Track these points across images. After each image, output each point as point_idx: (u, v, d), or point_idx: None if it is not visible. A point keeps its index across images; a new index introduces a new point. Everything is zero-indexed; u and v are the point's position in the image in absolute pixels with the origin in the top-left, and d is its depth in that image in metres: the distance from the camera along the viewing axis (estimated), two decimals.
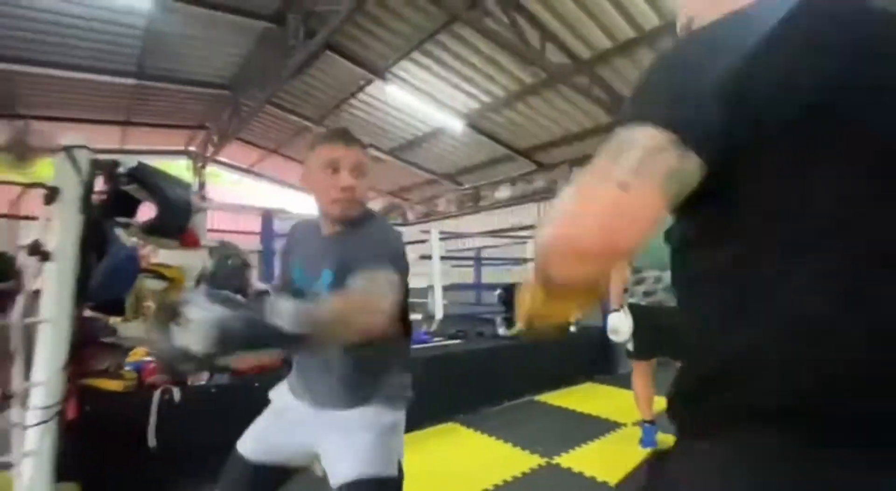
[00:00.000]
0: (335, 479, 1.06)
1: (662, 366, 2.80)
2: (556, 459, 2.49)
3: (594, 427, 3.05)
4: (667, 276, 2.60)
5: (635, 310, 2.76)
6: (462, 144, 8.17)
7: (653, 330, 2.65)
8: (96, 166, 2.19)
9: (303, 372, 1.20)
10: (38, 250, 1.93)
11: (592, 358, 4.70)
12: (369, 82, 6.33)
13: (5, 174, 7.06)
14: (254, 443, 1.17)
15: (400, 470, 1.12)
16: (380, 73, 5.94)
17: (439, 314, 4.26)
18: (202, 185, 9.54)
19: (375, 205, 12.85)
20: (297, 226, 1.37)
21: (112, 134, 8.68)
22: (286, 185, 12.56)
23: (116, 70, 5.76)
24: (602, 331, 5.02)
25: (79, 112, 7.18)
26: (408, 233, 10.79)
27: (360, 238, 1.08)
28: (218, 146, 8.18)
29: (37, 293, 1.96)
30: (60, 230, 2.00)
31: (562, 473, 2.35)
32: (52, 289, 1.95)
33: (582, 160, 7.45)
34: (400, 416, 1.19)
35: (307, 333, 0.80)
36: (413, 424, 2.99)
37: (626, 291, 2.83)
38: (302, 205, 12.99)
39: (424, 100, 6.40)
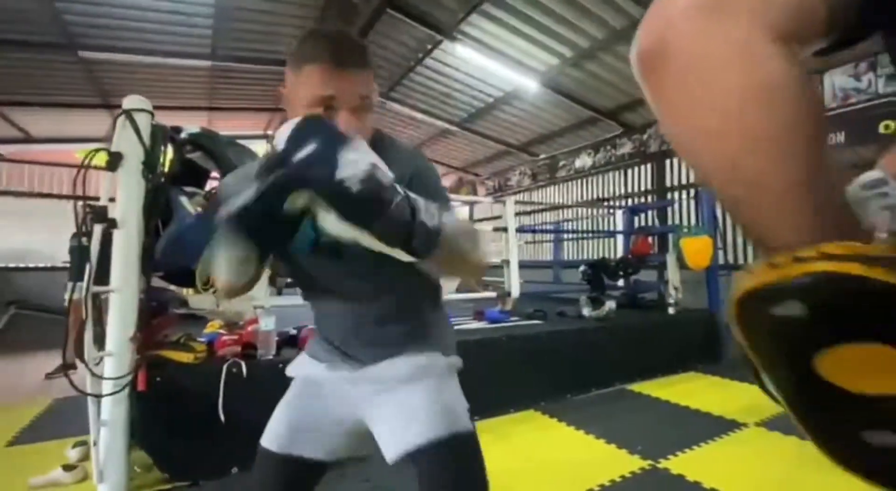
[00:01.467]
0: (397, 450, 0.85)
1: None
2: (663, 463, 2.12)
3: (706, 426, 2.60)
4: None
5: None
6: (538, 109, 7.60)
7: None
8: (158, 132, 2.14)
9: (330, 330, 0.98)
10: (104, 217, 1.91)
11: (696, 344, 4.14)
12: (437, 44, 5.99)
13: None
14: (281, 433, 0.95)
15: (472, 421, 0.91)
16: (448, 31, 5.56)
17: (516, 292, 3.95)
18: None
19: (445, 181, 12.67)
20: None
21: (200, 120, 9.26)
22: None
23: (192, 53, 6.00)
24: (708, 312, 4.45)
25: (166, 99, 7.68)
26: (480, 209, 10.56)
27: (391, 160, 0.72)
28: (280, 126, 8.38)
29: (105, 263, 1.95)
30: (124, 197, 1.97)
31: (672, 480, 1.99)
32: (120, 257, 1.93)
33: None
34: (454, 358, 0.98)
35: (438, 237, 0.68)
36: (490, 410, 2.78)
37: None
38: None
39: (497, 59, 5.94)
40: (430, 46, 6.04)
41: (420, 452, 0.82)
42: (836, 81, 4.65)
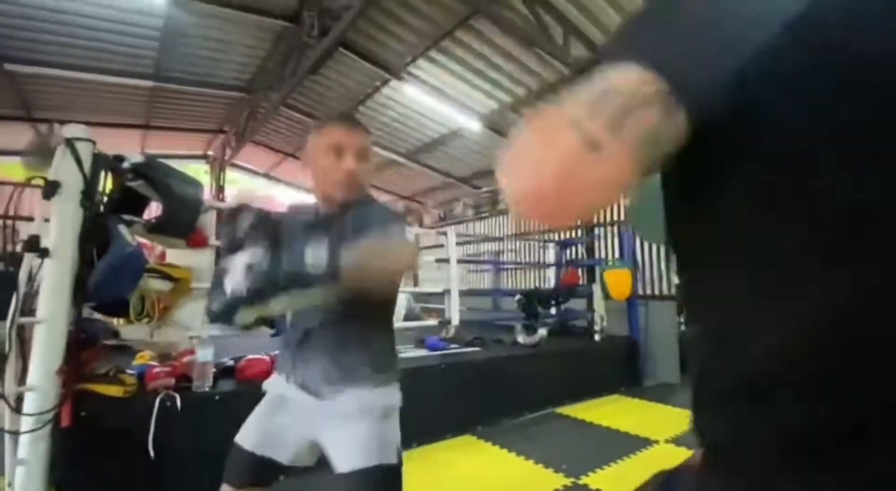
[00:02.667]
0: (337, 468, 1.05)
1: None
2: (584, 479, 2.31)
3: (623, 444, 2.84)
4: None
5: None
6: (480, 146, 8.02)
7: None
8: (99, 160, 2.12)
9: (293, 357, 1.14)
10: (35, 246, 1.85)
11: (619, 368, 4.48)
12: (385, 83, 6.23)
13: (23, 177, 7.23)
14: (254, 435, 1.14)
15: (399, 457, 1.09)
16: (396, 72, 5.84)
17: (456, 320, 4.10)
18: (221, 189, 9.59)
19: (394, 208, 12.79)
20: (296, 207, 1.32)
21: (132, 138, 8.80)
22: (303, 189, 12.63)
23: (134, 72, 5.79)
24: (631, 339, 4.83)
25: (98, 116, 7.27)
26: (423, 238, 10.68)
27: (361, 216, 1.07)
28: (235, 149, 8.20)
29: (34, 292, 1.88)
30: (59, 226, 1.92)
31: None
32: (49, 287, 1.87)
33: None
34: (395, 396, 1.15)
35: (338, 273, 0.83)
36: (427, 435, 2.86)
37: None
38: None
39: (442, 99, 6.27)
40: (378, 84, 6.27)
41: (352, 474, 1.01)
42: None
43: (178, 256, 2.77)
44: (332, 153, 1.10)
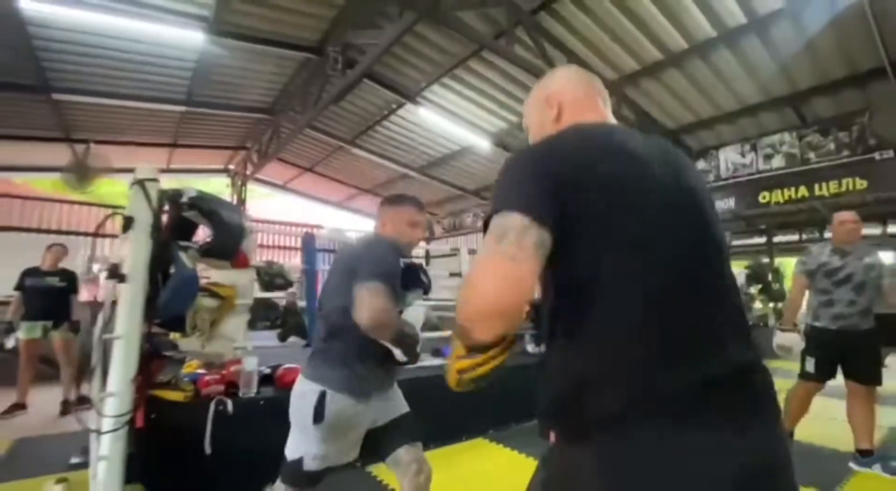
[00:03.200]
0: (391, 415, 1.58)
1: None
2: None
3: None
4: (861, 300, 2.58)
5: (820, 332, 2.69)
6: (489, 162, 8.30)
7: (837, 352, 2.65)
8: (163, 196, 2.43)
9: (380, 369, 1.53)
10: (115, 273, 2.16)
11: None
12: (401, 105, 6.56)
13: (72, 194, 7.64)
14: (329, 453, 1.43)
15: None
16: (411, 97, 6.16)
17: None
18: (242, 202, 9.97)
19: None
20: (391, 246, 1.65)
21: (160, 155, 9.24)
22: (318, 200, 12.99)
23: (168, 98, 6.19)
24: None
25: (131, 136, 7.70)
26: (436, 247, 10.99)
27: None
28: (257, 165, 8.57)
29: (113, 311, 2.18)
30: (133, 254, 2.23)
31: None
32: (126, 307, 2.17)
33: None
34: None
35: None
36: (444, 438, 3.11)
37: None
38: (332, 218, 13.35)
39: (453, 120, 6.57)
40: (394, 106, 6.59)
41: (404, 416, 1.62)
42: (728, 157, 5.60)
43: (222, 276, 3.07)
44: (409, 226, 1.67)
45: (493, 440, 3.24)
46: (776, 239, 8.04)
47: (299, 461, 1.43)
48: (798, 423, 2.86)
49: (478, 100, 6.09)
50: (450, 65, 5.34)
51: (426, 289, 1.71)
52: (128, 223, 2.22)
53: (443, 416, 3.06)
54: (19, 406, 4.12)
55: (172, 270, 2.39)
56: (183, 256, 2.48)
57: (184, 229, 2.72)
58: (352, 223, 12.93)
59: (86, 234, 7.13)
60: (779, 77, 4.60)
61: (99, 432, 2.04)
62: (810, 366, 2.72)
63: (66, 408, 4.13)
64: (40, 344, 4.25)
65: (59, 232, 6.77)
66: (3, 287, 6.09)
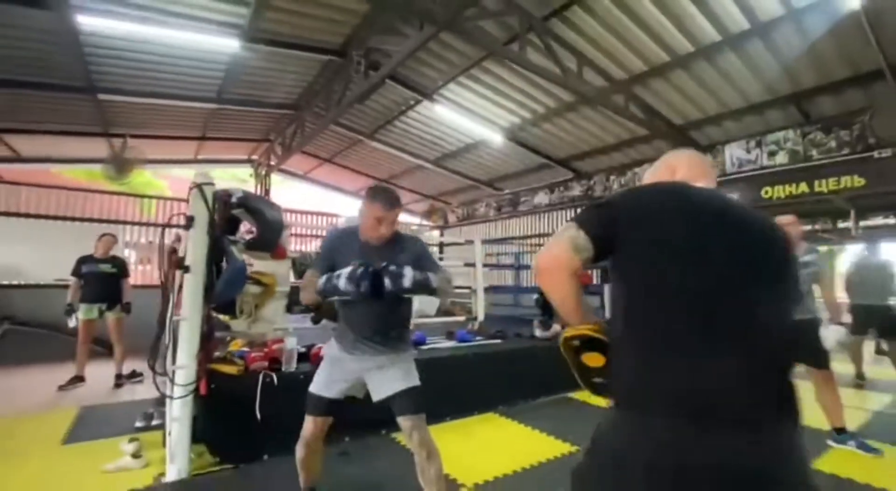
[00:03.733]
0: (389, 391, 1.80)
1: None
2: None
3: None
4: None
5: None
6: (502, 154, 8.50)
7: None
8: (217, 197, 2.75)
9: (353, 332, 1.85)
10: (181, 265, 2.50)
11: None
12: (419, 102, 6.79)
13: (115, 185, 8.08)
14: (322, 385, 1.87)
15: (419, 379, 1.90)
16: (429, 95, 6.39)
17: (481, 316, 4.66)
18: (267, 192, 10.35)
19: (419, 207, 13.38)
20: (342, 233, 2.00)
21: (190, 147, 9.64)
22: (336, 189, 13.33)
23: (201, 97, 6.52)
24: None
25: (164, 130, 8.08)
26: (449, 237, 11.20)
27: (406, 249, 1.87)
28: (281, 157, 8.91)
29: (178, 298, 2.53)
30: (194, 248, 2.57)
31: None
32: (189, 294, 2.52)
33: (619, 169, 7.61)
34: (413, 352, 2.02)
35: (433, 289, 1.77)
36: (458, 412, 3.45)
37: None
38: (347, 206, 13.65)
39: (468, 116, 6.78)
40: (412, 102, 6.83)
41: (400, 392, 1.79)
42: (734, 153, 5.74)
43: (263, 265, 3.41)
44: (374, 221, 1.77)
45: (502, 415, 3.56)
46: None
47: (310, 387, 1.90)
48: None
49: (492, 97, 6.30)
50: (466, 65, 5.55)
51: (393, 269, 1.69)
52: (189, 222, 2.56)
53: (458, 392, 3.39)
54: (79, 378, 4.55)
55: (223, 263, 2.75)
56: (233, 249, 2.83)
57: (230, 225, 3.07)
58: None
59: (119, 221, 7.58)
60: (783, 77, 4.71)
61: (171, 398, 2.42)
62: None
63: (120, 381, 4.58)
64: (96, 324, 4.69)
65: (91, 220, 7.20)
66: (41, 271, 6.57)
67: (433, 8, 3.61)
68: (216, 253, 2.68)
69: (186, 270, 2.50)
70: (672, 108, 5.73)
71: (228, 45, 4.63)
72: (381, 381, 1.83)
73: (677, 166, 1.12)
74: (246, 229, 3.13)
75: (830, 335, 2.82)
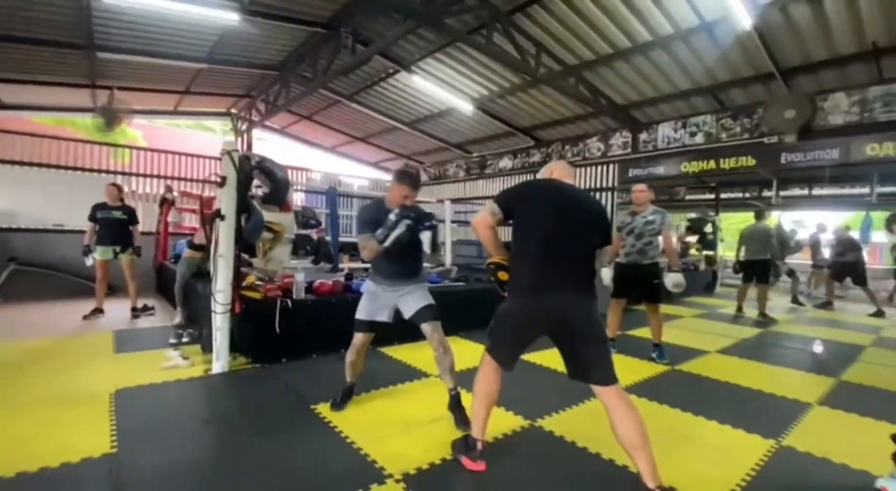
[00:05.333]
0: (417, 307, 2.34)
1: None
2: (539, 422, 2.42)
3: (579, 391, 2.36)
4: (638, 244, 3.68)
5: (617, 265, 3.81)
6: (471, 121, 9.06)
7: (625, 279, 3.76)
8: (242, 160, 3.34)
9: (392, 273, 2.40)
10: (219, 215, 3.14)
11: None
12: (397, 71, 7.21)
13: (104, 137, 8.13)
14: (365, 312, 2.44)
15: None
16: (406, 66, 6.82)
17: (449, 264, 5.49)
18: (249, 146, 10.54)
19: (393, 165, 13.82)
20: (376, 204, 2.46)
21: (171, 99, 9.64)
22: (314, 145, 13.52)
23: (194, 57, 6.66)
24: None
25: (150, 84, 8.11)
26: (423, 194, 11.69)
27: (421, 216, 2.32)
28: (265, 115, 9.12)
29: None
30: (227, 202, 3.21)
31: (543, 436, 2.26)
32: (224, 237, 3.18)
33: (573, 139, 8.37)
34: (427, 285, 2.55)
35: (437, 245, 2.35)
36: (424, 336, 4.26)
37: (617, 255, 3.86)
38: (323, 161, 13.82)
39: (442, 86, 7.27)
40: (391, 71, 7.23)
41: (425, 307, 2.35)
42: (665, 132, 6.59)
43: (273, 217, 4.05)
44: (402, 197, 2.23)
45: (463, 338, 4.45)
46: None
47: (357, 314, 2.47)
48: (616, 330, 3.95)
49: (464, 71, 6.80)
50: (442, 43, 6.02)
51: (424, 226, 2.16)
52: (223, 181, 3.17)
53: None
54: (98, 310, 5.09)
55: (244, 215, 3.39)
56: (256, 203, 3.47)
57: (247, 183, 3.67)
58: (343, 167, 13.58)
59: (97, 170, 7.73)
60: (703, 72, 5.52)
61: (216, 313, 3.13)
62: (613, 288, 3.82)
63: (135, 313, 5.17)
64: (111, 264, 5.17)
65: (72, 168, 7.37)
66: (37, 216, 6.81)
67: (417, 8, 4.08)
68: (243, 206, 3.32)
69: (223, 218, 3.14)
70: (615, 91, 6.47)
71: (229, 17, 4.89)
72: (409, 302, 2.36)
73: (553, 170, 1.91)
74: (256, 186, 3.75)
75: (668, 279, 3.62)
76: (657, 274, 3.75)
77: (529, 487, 1.80)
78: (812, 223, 10.04)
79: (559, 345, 1.73)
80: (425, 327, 2.32)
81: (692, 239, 10.23)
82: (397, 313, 2.45)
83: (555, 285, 1.64)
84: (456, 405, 2.37)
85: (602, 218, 1.81)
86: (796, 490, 1.88)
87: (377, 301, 2.43)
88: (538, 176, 1.97)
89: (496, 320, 1.81)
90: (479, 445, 1.88)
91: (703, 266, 9.71)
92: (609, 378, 1.66)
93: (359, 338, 2.45)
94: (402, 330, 2.69)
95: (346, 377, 2.56)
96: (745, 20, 4.07)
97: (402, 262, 2.36)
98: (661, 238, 3.77)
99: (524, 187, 1.78)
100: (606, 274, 3.83)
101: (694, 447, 2.22)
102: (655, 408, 2.74)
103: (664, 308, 5.96)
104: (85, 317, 4.92)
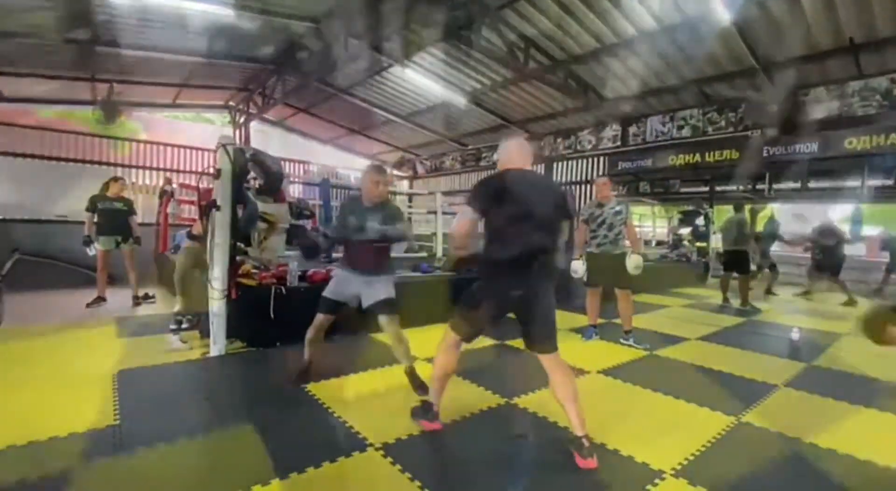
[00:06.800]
0: (374, 300, 2.48)
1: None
2: (515, 400, 2.54)
3: None
4: (610, 235, 3.84)
5: (591, 256, 3.94)
6: (466, 114, 9.14)
7: (600, 268, 3.89)
8: (237, 153, 3.45)
9: (354, 260, 2.56)
10: (215, 205, 3.26)
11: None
12: (391, 65, 7.27)
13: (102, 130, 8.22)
14: (331, 291, 2.59)
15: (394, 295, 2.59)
16: (400, 61, 6.89)
17: (440, 254, 5.61)
18: (247, 139, 10.61)
19: (390, 157, 13.87)
20: (351, 199, 2.68)
21: (170, 92, 9.68)
22: (311, 137, 13.56)
23: (194, 51, 6.71)
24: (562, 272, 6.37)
25: (149, 78, 8.16)
26: (419, 186, 11.90)
27: (385, 210, 2.54)
28: (263, 108, 9.18)
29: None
30: (222, 193, 3.32)
31: (517, 412, 2.41)
32: (220, 226, 3.30)
33: (564, 132, 8.46)
34: (393, 278, 2.67)
35: (390, 237, 2.49)
36: (419, 322, 4.44)
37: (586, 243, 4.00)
38: (319, 154, 13.87)
39: (435, 80, 7.34)
40: (386, 65, 7.30)
41: (381, 301, 2.51)
42: (654, 125, 6.69)
43: (267, 207, 4.15)
44: (373, 185, 2.49)
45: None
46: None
47: (324, 292, 2.61)
48: (596, 317, 4.10)
49: (456, 65, 6.88)
50: (436, 39, 6.09)
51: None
52: (218, 173, 3.28)
53: (419, 307, 4.38)
54: (101, 299, 5.22)
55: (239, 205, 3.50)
56: (250, 194, 3.58)
57: (242, 175, 3.77)
58: (341, 160, 13.63)
59: (98, 163, 7.85)
60: (688, 66, 5.60)
61: (213, 299, 3.26)
62: (587, 277, 3.96)
63: (136, 301, 5.30)
64: (112, 253, 5.29)
65: (74, 160, 7.47)
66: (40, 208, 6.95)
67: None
68: (238, 196, 3.43)
69: (218, 208, 3.26)
70: (603, 84, 6.56)
71: (223, 13, 4.95)
72: (370, 293, 2.51)
73: (513, 155, 2.03)
74: (251, 177, 3.85)
75: (630, 261, 3.79)
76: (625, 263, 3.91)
77: (498, 455, 1.94)
78: (813, 217, 10.02)
79: (519, 318, 1.94)
80: (381, 319, 2.52)
81: (685, 231, 10.33)
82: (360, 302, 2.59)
83: (527, 267, 1.82)
84: (411, 374, 2.65)
85: (562, 199, 1.98)
86: (745, 459, 2.01)
87: (345, 285, 2.57)
88: (498, 154, 2.08)
89: (471, 299, 1.97)
90: (435, 408, 2.13)
91: (694, 257, 9.82)
92: (551, 347, 1.94)
93: (319, 319, 2.60)
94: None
95: (305, 355, 2.71)
96: (724, 15, 4.15)
97: (364, 253, 2.51)
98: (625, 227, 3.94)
99: (493, 184, 1.89)
100: (579, 267, 3.94)
101: (655, 422, 2.35)
102: (629, 388, 2.86)
103: (653, 298, 6.12)
104: (88, 305, 5.03)
